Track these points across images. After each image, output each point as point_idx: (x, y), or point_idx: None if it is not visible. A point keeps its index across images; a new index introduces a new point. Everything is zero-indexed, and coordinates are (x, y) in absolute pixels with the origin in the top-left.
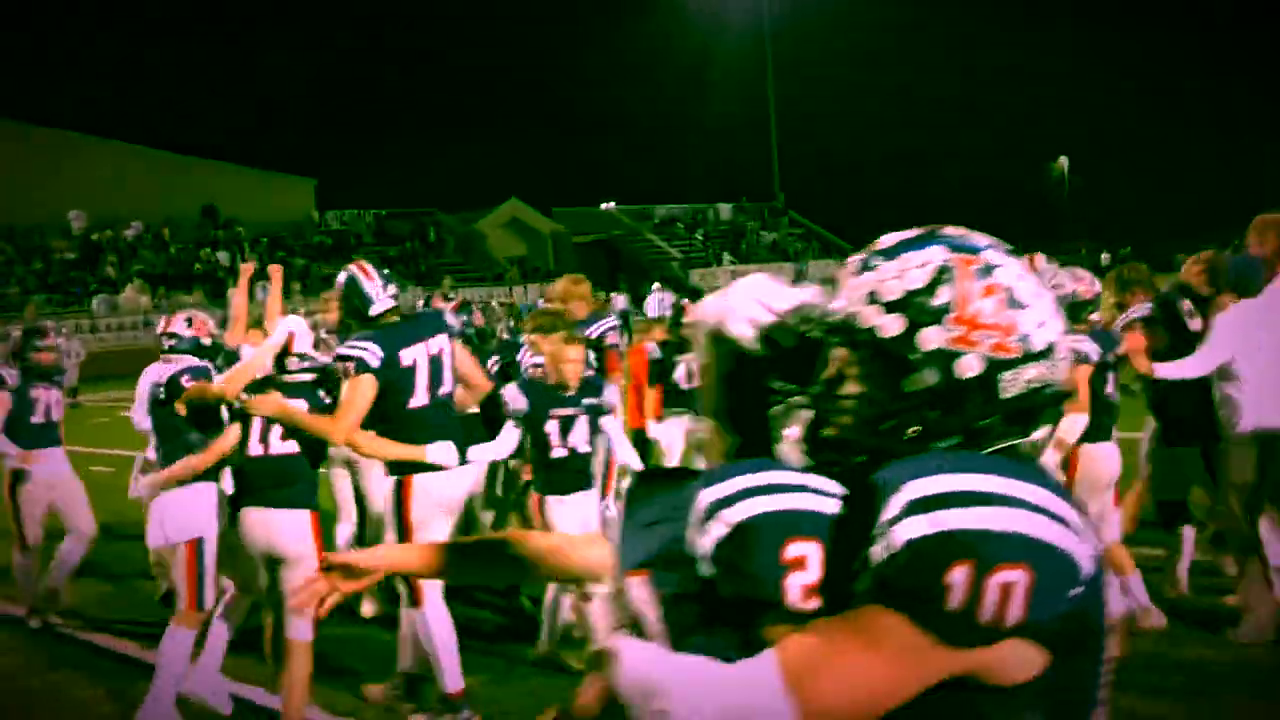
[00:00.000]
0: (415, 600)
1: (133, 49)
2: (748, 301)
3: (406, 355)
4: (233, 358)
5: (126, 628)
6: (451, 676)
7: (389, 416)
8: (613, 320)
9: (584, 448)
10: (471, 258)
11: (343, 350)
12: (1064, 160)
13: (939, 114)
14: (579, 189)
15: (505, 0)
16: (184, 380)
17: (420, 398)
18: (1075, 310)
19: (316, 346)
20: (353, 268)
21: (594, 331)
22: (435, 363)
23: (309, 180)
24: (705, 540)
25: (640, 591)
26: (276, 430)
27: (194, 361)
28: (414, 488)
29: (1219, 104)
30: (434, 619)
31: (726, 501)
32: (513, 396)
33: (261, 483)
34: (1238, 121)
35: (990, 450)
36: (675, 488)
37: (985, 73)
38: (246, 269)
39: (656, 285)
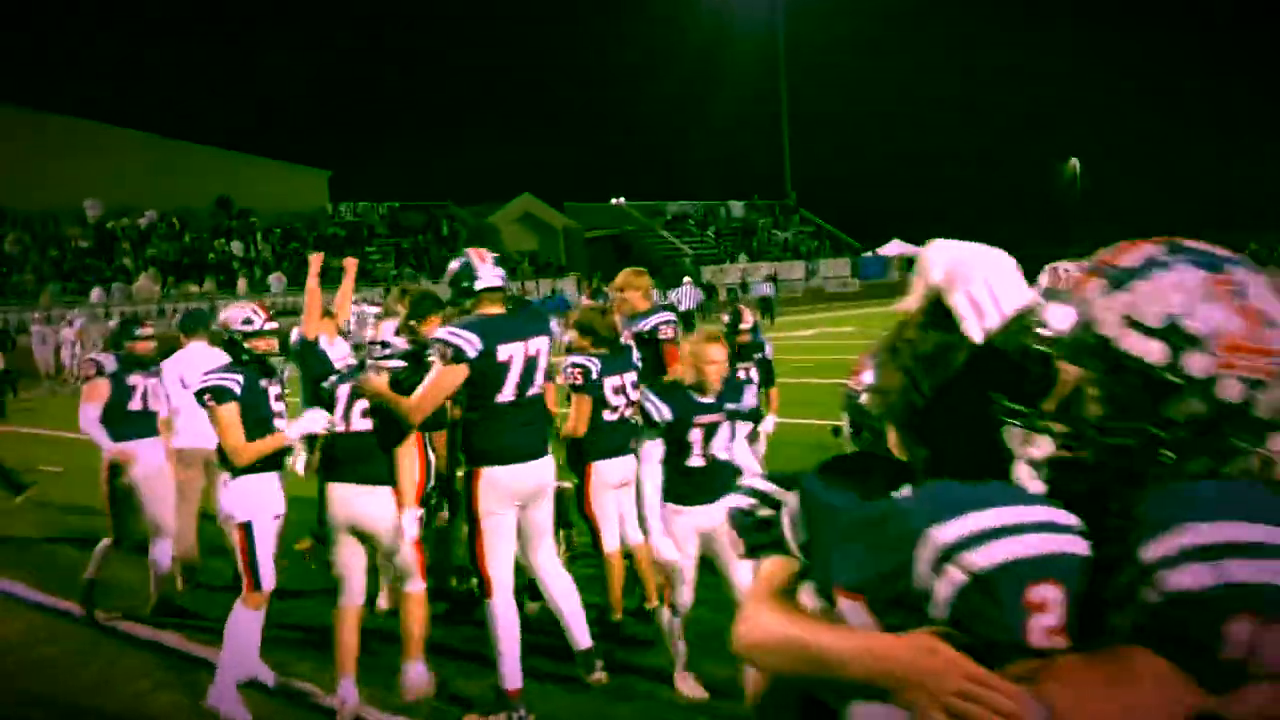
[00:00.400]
0: (486, 591)
1: (151, 40)
2: (984, 291)
3: (504, 350)
4: (311, 348)
5: (178, 621)
6: (510, 674)
7: (475, 406)
8: (668, 315)
9: (723, 455)
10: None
11: (443, 334)
12: (1075, 162)
13: (948, 113)
14: (591, 184)
15: None
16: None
17: (508, 394)
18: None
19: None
20: (469, 252)
21: (647, 325)
22: (530, 363)
23: (323, 172)
24: (942, 586)
25: (858, 615)
26: (358, 408)
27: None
28: (482, 479)
29: (1222, 105)
30: (501, 613)
31: (965, 545)
32: (654, 405)
33: (345, 459)
34: (1240, 123)
35: (1227, 467)
36: (862, 488)
37: (993, 73)
38: (316, 259)
39: (687, 280)
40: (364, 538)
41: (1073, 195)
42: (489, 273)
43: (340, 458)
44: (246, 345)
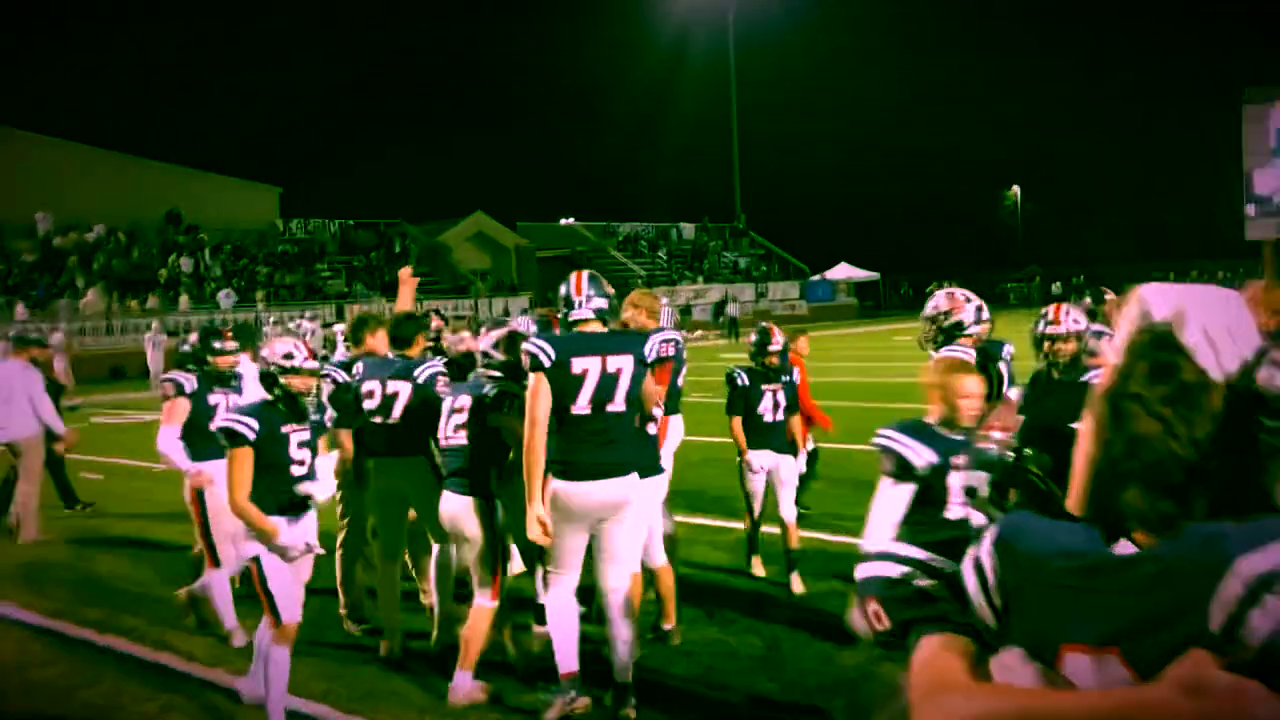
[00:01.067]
0: (546, 585)
1: (101, 54)
2: (1222, 330)
3: (579, 363)
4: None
5: (180, 639)
6: (564, 659)
7: (557, 420)
8: (672, 335)
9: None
10: (437, 270)
11: (526, 344)
12: (1016, 189)
13: (894, 140)
14: (543, 204)
15: (473, 17)
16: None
17: (582, 406)
18: (952, 331)
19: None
20: (571, 276)
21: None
22: (609, 378)
23: (274, 188)
24: (1261, 618)
25: (1106, 669)
26: (454, 421)
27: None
28: (549, 489)
29: (1170, 132)
30: (557, 606)
31: None
32: (908, 445)
33: (448, 469)
34: (1187, 151)
35: None
36: (1072, 536)
37: (940, 100)
38: (407, 275)
39: (665, 301)
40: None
41: (1014, 222)
42: (582, 308)
43: (445, 469)
44: (282, 381)
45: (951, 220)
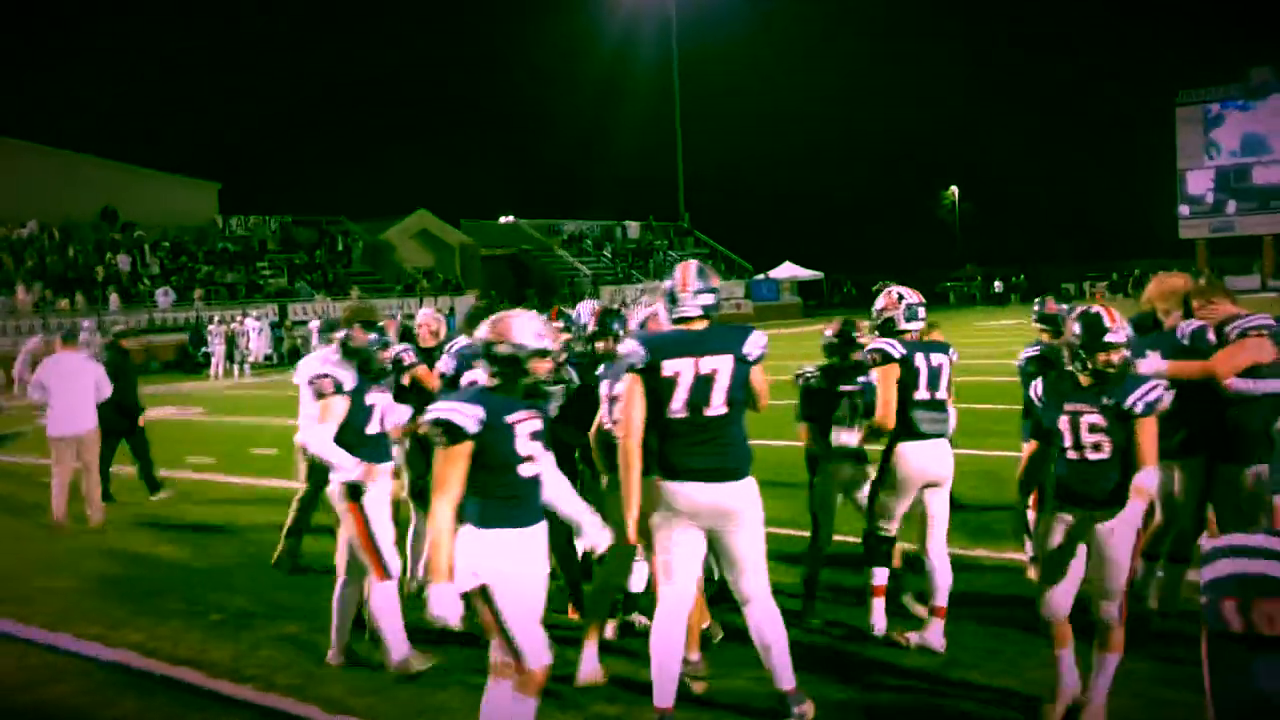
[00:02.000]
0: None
1: (32, 46)
2: None
3: (670, 365)
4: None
5: (194, 656)
6: (661, 690)
7: (651, 422)
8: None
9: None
10: (380, 268)
11: (620, 347)
12: (954, 189)
13: (837, 140)
14: (487, 202)
15: (416, 13)
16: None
17: (677, 410)
18: (886, 327)
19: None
20: (678, 268)
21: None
22: (703, 380)
23: (213, 184)
24: None
25: None
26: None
27: None
28: (649, 491)
29: (1106, 133)
30: (661, 631)
31: None
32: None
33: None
34: (1123, 152)
35: None
36: None
37: (881, 100)
38: None
39: (646, 296)
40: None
41: (953, 220)
42: (687, 304)
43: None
44: (528, 366)
45: (893, 220)
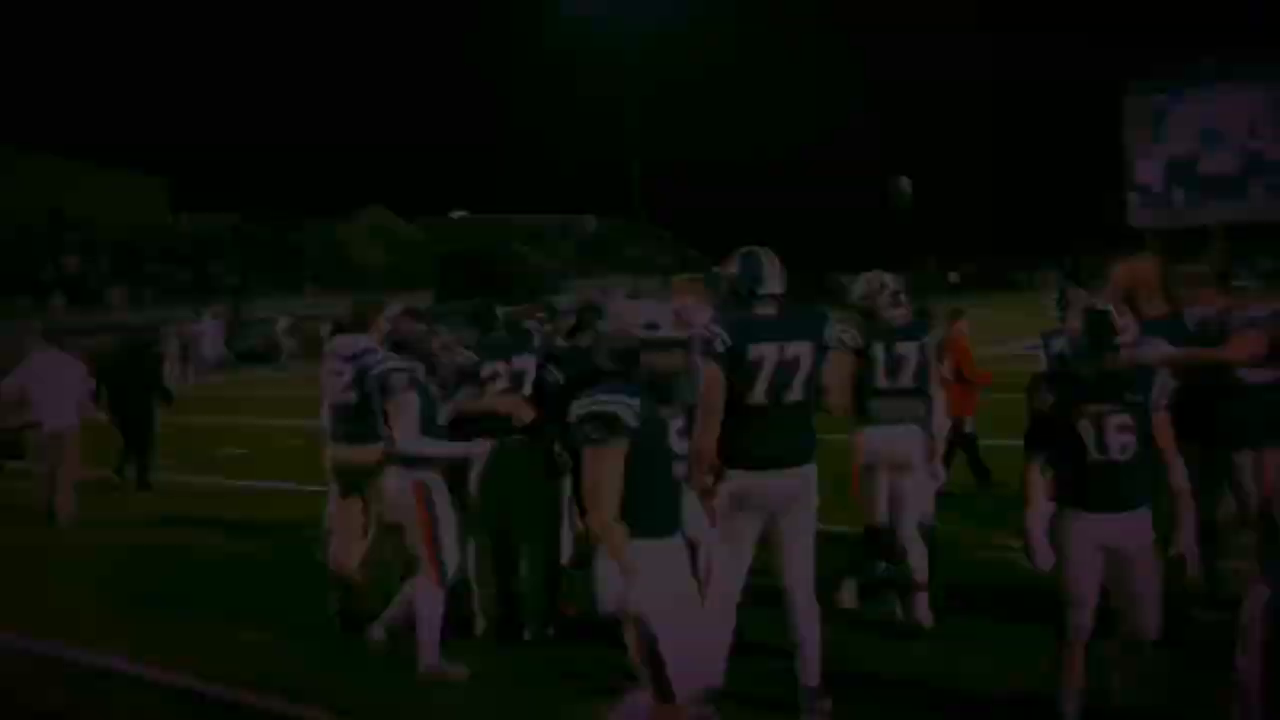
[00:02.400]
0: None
1: None
2: None
3: (754, 350)
4: None
5: (204, 667)
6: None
7: (730, 409)
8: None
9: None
10: (335, 264)
11: (699, 332)
12: (905, 180)
13: (796, 131)
14: (442, 198)
15: (367, 2)
16: None
17: (758, 396)
18: (869, 313)
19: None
20: (753, 252)
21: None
22: (786, 366)
23: (162, 179)
24: None
25: None
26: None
27: None
28: (723, 481)
29: (1057, 123)
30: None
31: None
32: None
33: None
34: (1073, 141)
35: None
36: None
37: (835, 91)
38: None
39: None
40: None
41: (905, 213)
42: (775, 279)
43: None
44: (643, 358)
45: (847, 212)
